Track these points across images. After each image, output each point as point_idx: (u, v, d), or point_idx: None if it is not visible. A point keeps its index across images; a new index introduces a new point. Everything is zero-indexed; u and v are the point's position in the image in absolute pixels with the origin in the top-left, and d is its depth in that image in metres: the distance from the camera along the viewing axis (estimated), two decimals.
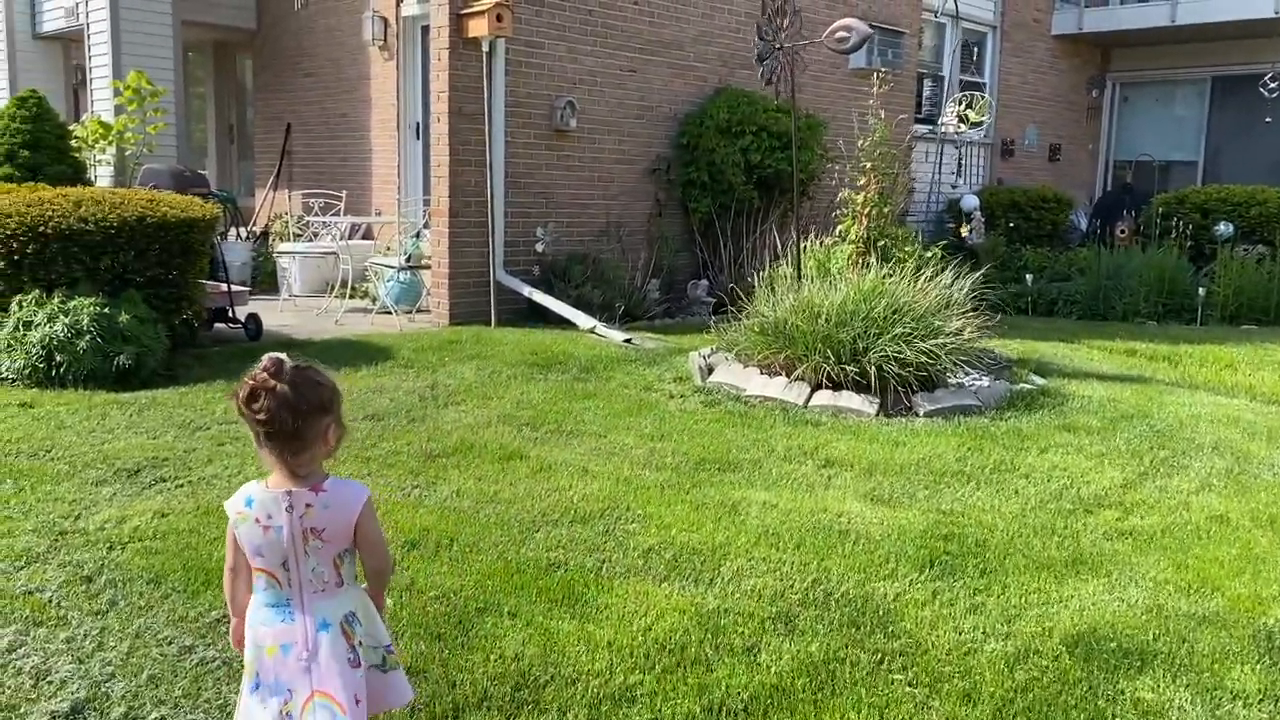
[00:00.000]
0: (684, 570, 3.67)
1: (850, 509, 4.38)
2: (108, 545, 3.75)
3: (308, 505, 2.14)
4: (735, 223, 10.15)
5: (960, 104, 13.25)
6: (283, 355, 2.17)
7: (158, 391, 6.12)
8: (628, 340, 8.03)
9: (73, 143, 11.01)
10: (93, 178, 11.48)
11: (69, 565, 3.55)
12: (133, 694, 2.74)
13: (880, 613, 3.41)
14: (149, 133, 11.29)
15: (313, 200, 11.01)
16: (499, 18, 8.27)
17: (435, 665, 2.96)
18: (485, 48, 8.51)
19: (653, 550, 3.84)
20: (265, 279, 10.99)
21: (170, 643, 3.02)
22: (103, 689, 2.76)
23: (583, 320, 8.45)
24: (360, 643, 2.20)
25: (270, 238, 11.81)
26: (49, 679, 2.81)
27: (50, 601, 3.27)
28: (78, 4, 12.40)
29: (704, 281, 10.26)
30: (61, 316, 6.23)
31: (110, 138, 11.13)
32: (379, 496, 4.36)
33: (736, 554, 3.83)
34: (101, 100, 12.03)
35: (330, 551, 2.17)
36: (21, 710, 2.66)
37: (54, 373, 6.16)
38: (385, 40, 11.05)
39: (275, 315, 9.19)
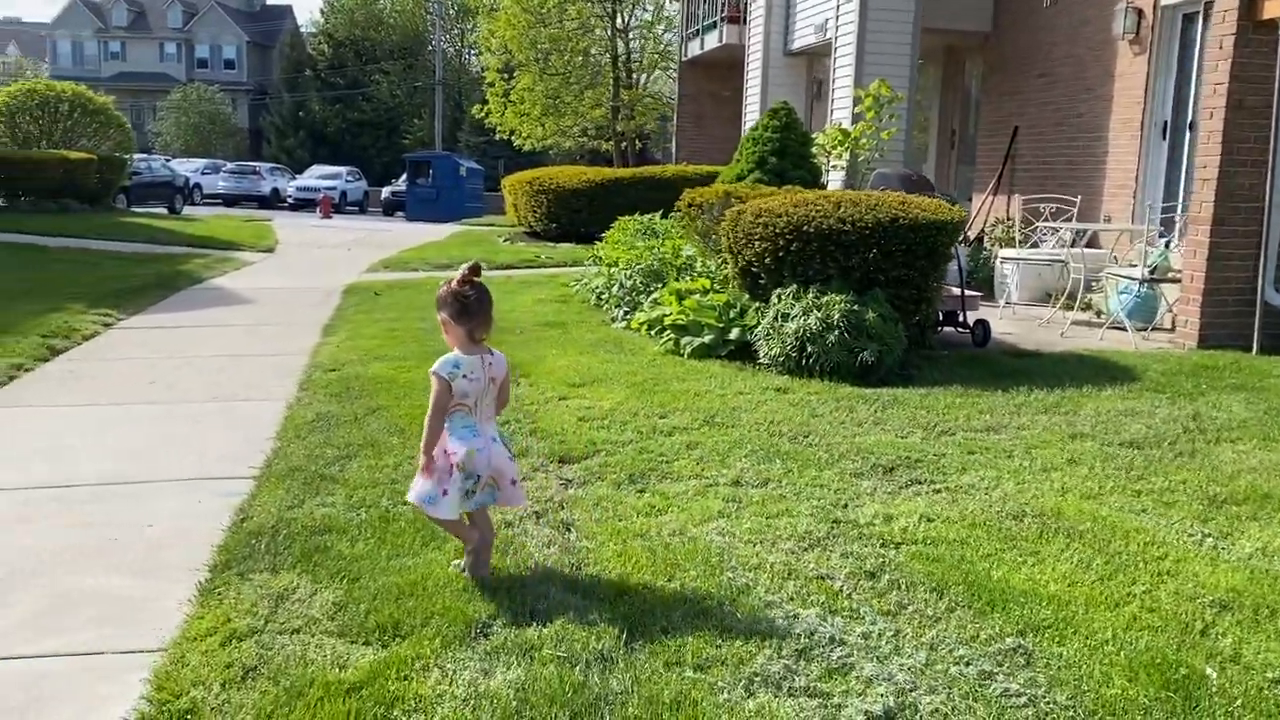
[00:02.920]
0: None
1: None
2: (880, 542, 3.76)
3: (490, 362, 3.37)
4: None
5: None
6: (479, 263, 3.46)
7: (897, 390, 6.20)
8: None
9: (813, 150, 11.90)
10: (825, 182, 12.31)
11: (850, 556, 3.61)
12: (941, 714, 2.61)
13: None
14: (882, 139, 11.76)
15: (1042, 205, 10.54)
16: None
17: None
18: None
19: None
20: (979, 285, 10.80)
21: (967, 663, 2.85)
22: (908, 699, 2.68)
23: None
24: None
25: (985, 243, 11.63)
26: (854, 674, 2.80)
27: (841, 591, 3.32)
28: (827, 21, 13.38)
29: None
30: (815, 311, 6.61)
31: (847, 144, 11.81)
32: (1160, 538, 3.83)
33: None
34: (840, 109, 12.85)
35: (494, 392, 3.42)
36: (835, 701, 2.68)
37: (804, 362, 6.56)
38: (1137, 34, 10.16)
39: (994, 323, 8.92)
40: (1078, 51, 11.11)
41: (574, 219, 17.51)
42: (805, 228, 6.80)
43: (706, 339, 7.15)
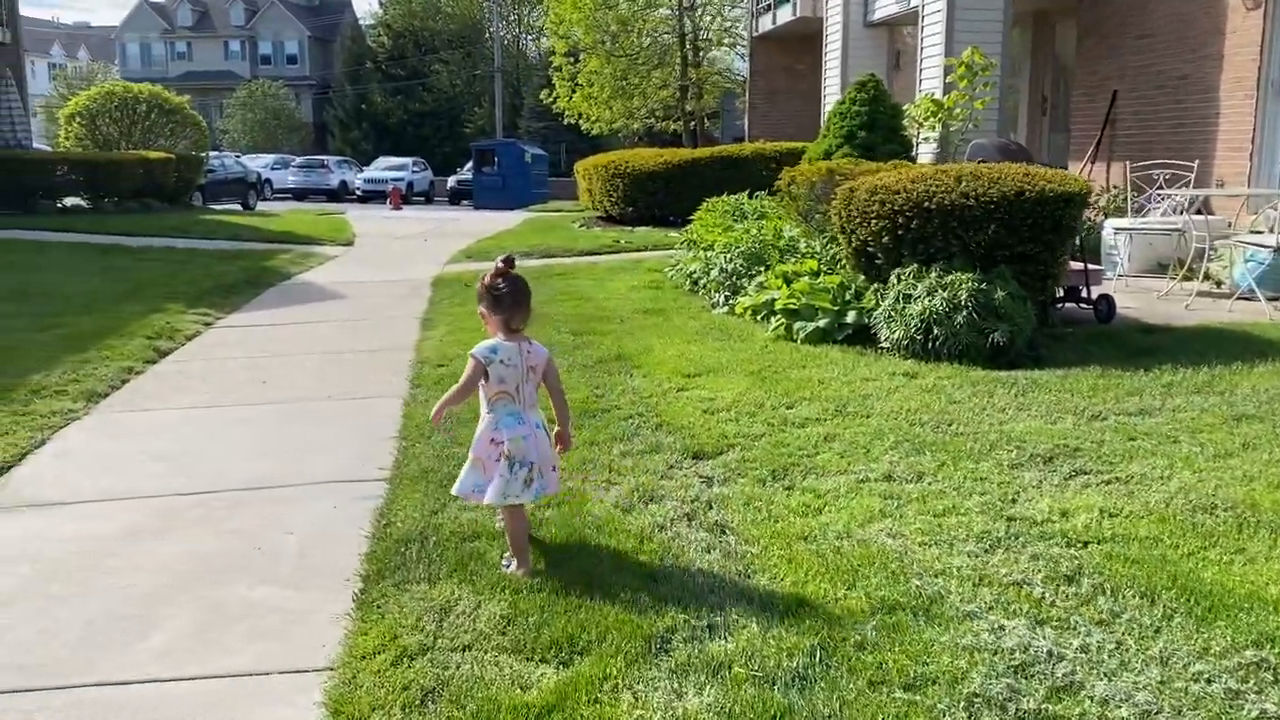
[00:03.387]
0: None
1: None
2: (1066, 541, 3.51)
3: (529, 351, 3.45)
4: None
5: None
6: (512, 255, 3.50)
7: (1033, 372, 5.91)
8: None
9: (904, 122, 11.53)
10: (915, 155, 11.94)
11: (1040, 559, 3.36)
12: None
13: None
14: (975, 108, 11.35)
15: (1155, 172, 10.07)
16: None
17: None
18: None
19: None
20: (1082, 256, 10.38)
21: (1209, 680, 2.60)
22: None
23: None
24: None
25: (1085, 212, 11.16)
26: (1085, 693, 2.57)
27: (1043, 599, 3.08)
28: None
29: None
30: (940, 291, 6.32)
31: (940, 114, 11.42)
32: None
33: None
34: (930, 79, 12.44)
35: (535, 381, 3.49)
36: None
37: (929, 345, 6.28)
38: None
39: None
40: (1183, 10, 10.59)
41: (650, 202, 17.27)
42: (926, 204, 6.51)
43: (821, 323, 6.90)
